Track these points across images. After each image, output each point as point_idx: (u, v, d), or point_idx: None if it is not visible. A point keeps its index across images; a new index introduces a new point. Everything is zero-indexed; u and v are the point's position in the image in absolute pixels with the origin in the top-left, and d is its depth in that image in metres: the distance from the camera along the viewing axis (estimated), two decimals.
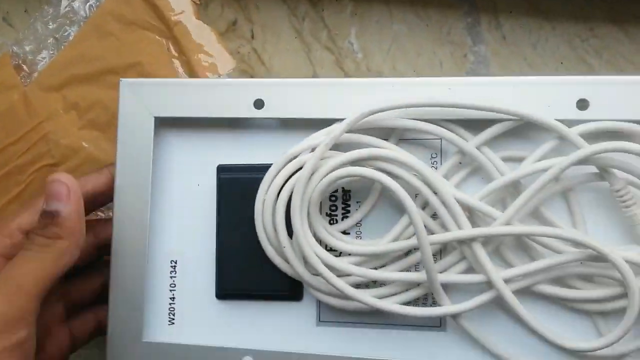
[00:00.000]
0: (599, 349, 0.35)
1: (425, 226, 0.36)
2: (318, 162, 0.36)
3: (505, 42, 0.48)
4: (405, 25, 0.49)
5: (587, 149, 0.34)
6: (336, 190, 0.39)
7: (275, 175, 0.38)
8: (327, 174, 0.36)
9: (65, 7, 0.48)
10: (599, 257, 0.34)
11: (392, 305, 0.36)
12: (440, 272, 0.37)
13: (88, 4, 0.48)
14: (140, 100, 0.39)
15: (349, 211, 0.39)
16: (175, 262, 0.41)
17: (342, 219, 0.39)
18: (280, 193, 0.37)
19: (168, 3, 0.47)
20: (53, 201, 0.36)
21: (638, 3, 0.47)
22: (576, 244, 0.35)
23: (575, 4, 0.48)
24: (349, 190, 0.39)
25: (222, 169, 0.40)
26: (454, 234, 0.36)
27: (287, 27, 0.49)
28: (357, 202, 0.39)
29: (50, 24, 0.48)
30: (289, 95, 0.38)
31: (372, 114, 0.37)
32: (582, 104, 0.36)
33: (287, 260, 0.37)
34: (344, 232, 0.39)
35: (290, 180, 0.37)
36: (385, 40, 0.49)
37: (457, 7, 0.49)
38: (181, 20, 0.47)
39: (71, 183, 0.37)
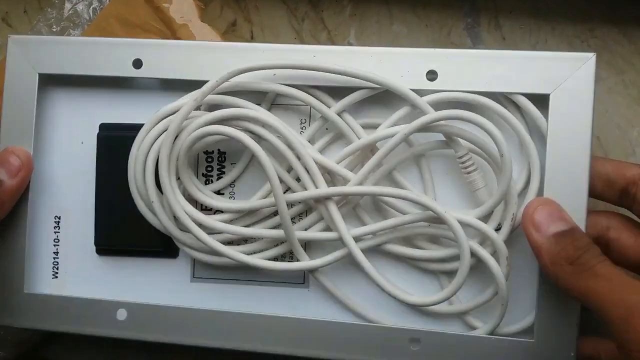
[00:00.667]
0: (434, 303, 0.38)
1: (289, 188, 0.40)
2: (183, 121, 0.38)
3: (505, 42, 0.48)
4: (404, 26, 0.49)
5: (431, 115, 0.37)
6: (212, 152, 0.42)
7: (146, 135, 0.40)
8: (192, 132, 0.38)
9: (69, 10, 0.51)
10: (439, 218, 0.37)
11: (256, 260, 0.39)
12: (303, 231, 0.40)
13: (91, 7, 0.51)
14: (27, 57, 0.41)
15: (224, 172, 0.42)
16: (59, 218, 0.43)
17: (217, 180, 0.42)
18: (150, 151, 0.40)
19: (171, 6, 0.49)
20: (2, 170, 0.39)
21: (637, 4, 0.45)
22: (419, 205, 0.38)
23: (574, 5, 0.47)
24: (225, 152, 0.42)
25: (103, 127, 0.42)
26: (309, 192, 0.39)
27: (286, 27, 0.51)
28: (232, 163, 0.42)
29: (54, 26, 0.51)
30: (166, 56, 0.40)
31: (236, 75, 0.39)
32: (432, 75, 0.39)
33: (156, 216, 0.40)
34: (218, 193, 0.42)
35: (158, 139, 0.40)
36: (385, 40, 0.49)
37: (457, 8, 0.49)
38: (186, 23, 0.49)
39: (26, 161, 0.40)
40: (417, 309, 0.40)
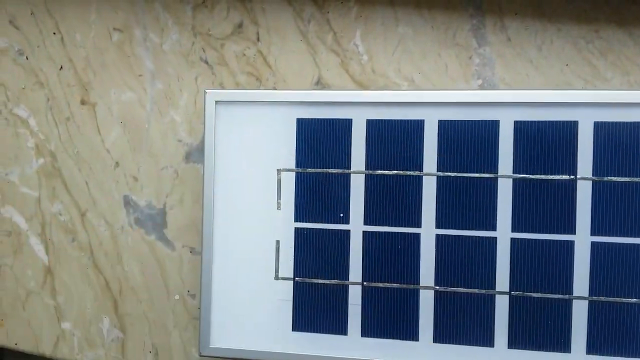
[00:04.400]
0: None
1: None
2: None
3: (510, 44, 0.48)
4: (410, 28, 0.49)
5: None
6: None
7: None
8: None
9: None
10: None
11: None
12: None
13: None
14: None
15: None
16: None
17: None
18: None
19: None
20: None
21: None
22: None
23: (579, 7, 0.47)
24: None
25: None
26: None
27: (292, 29, 0.51)
28: None
29: None
30: None
31: None
32: None
33: None
34: None
35: None
36: (391, 42, 0.50)
37: (462, 10, 0.49)
38: None
39: None
40: None
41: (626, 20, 0.46)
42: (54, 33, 0.54)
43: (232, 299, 0.46)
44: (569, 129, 0.42)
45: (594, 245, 0.42)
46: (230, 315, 0.46)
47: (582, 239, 0.42)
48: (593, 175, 0.42)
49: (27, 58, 0.54)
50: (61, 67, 0.54)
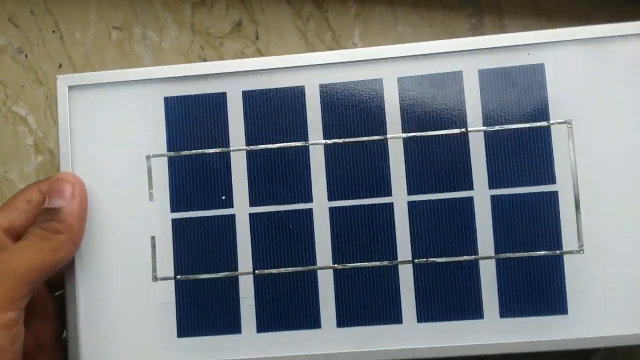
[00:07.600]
0: None
1: None
2: None
3: None
4: (409, 27, 0.50)
5: None
6: None
7: None
8: None
9: None
10: None
11: None
12: None
13: None
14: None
15: None
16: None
17: None
18: None
19: None
20: (56, 198, 0.38)
21: (638, 6, 0.46)
22: None
23: (577, 6, 0.47)
24: None
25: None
26: None
27: (291, 28, 0.51)
28: None
29: None
30: None
31: None
32: None
33: None
34: None
35: None
36: (389, 41, 0.50)
37: (461, 9, 0.49)
38: None
39: (77, 182, 0.40)
40: None
41: (624, 20, 0.46)
42: (54, 31, 0.54)
43: (103, 309, 0.40)
44: (454, 80, 0.40)
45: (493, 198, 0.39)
46: (102, 329, 0.40)
47: (481, 194, 0.39)
48: (483, 126, 0.40)
49: (26, 56, 0.54)
50: (60, 65, 0.54)
